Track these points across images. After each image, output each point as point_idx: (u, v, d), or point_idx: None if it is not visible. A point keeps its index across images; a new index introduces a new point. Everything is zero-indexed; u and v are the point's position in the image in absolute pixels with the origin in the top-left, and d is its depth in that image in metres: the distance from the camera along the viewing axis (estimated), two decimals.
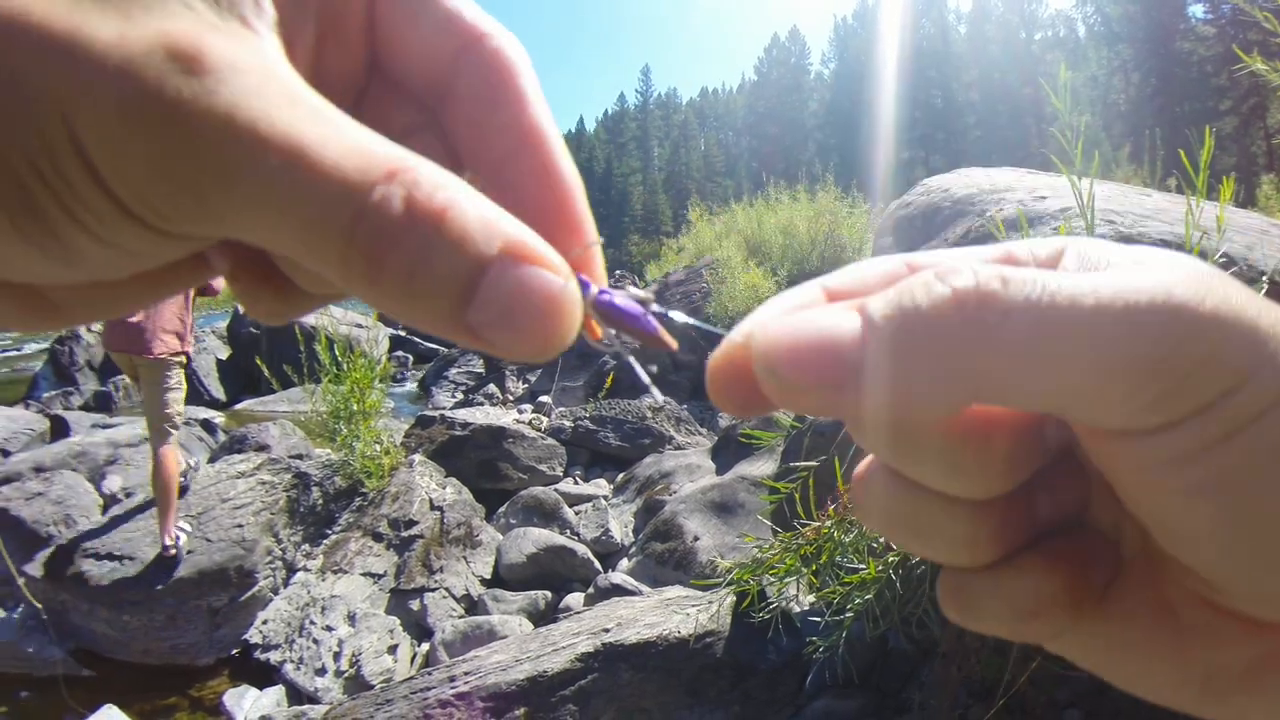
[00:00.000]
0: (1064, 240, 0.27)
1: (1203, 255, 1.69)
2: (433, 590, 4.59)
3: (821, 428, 2.73)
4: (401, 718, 2.94)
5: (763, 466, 4.84)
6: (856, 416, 0.24)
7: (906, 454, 0.26)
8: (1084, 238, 0.27)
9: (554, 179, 0.30)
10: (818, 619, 2.84)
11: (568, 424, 7.13)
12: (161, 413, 4.65)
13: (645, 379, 0.32)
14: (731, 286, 12.15)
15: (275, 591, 4.70)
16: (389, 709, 3.00)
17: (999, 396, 0.23)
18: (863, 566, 2.28)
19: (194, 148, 0.22)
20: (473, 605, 4.62)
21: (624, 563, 4.90)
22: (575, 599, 4.53)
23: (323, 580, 4.67)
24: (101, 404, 11.05)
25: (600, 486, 6.29)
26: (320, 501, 5.26)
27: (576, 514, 5.55)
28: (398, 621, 4.41)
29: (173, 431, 4.67)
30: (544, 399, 9.64)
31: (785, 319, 0.24)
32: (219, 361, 12.46)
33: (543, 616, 4.42)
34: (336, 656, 4.12)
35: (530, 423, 7.37)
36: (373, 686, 3.76)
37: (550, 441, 6.66)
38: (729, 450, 5.91)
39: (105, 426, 7.15)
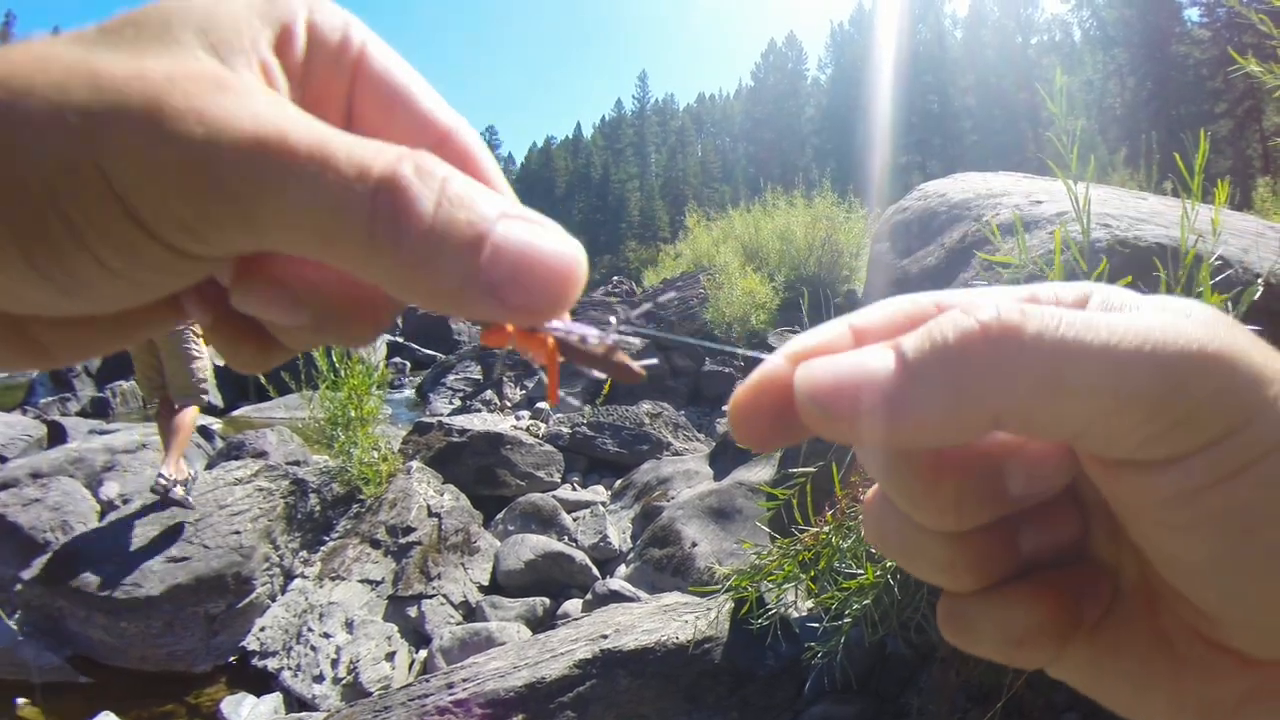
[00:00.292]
0: (1089, 286, 0.29)
1: (1199, 258, 1.69)
2: (430, 597, 4.58)
3: None
4: None
5: (761, 472, 4.84)
6: (888, 443, 0.26)
7: (887, 482, 0.29)
8: (1108, 286, 0.29)
9: None
10: (816, 625, 2.84)
11: (565, 430, 7.13)
12: (190, 383, 4.71)
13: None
14: (729, 292, 12.16)
15: (273, 598, 4.69)
16: (387, 716, 2.99)
17: (1018, 423, 0.25)
18: (861, 572, 2.27)
19: (230, 163, 0.23)
20: (471, 612, 4.61)
21: (622, 569, 4.89)
22: (573, 605, 4.52)
23: (320, 587, 4.66)
24: (99, 410, 11.05)
25: (598, 493, 6.28)
26: (318, 508, 5.25)
27: (574, 520, 5.55)
28: (395, 628, 4.40)
29: (203, 397, 4.75)
30: (542, 405, 9.64)
31: (827, 362, 0.27)
32: (216, 368, 12.42)
33: (541, 623, 4.41)
34: (334, 663, 4.11)
35: (528, 429, 7.37)
36: (371, 693, 3.75)
37: (548, 448, 6.65)
38: (727, 456, 5.90)
39: (102, 433, 7.12)
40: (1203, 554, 0.25)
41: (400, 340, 15.95)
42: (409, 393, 12.76)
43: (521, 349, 0.32)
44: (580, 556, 4.90)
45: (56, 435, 7.51)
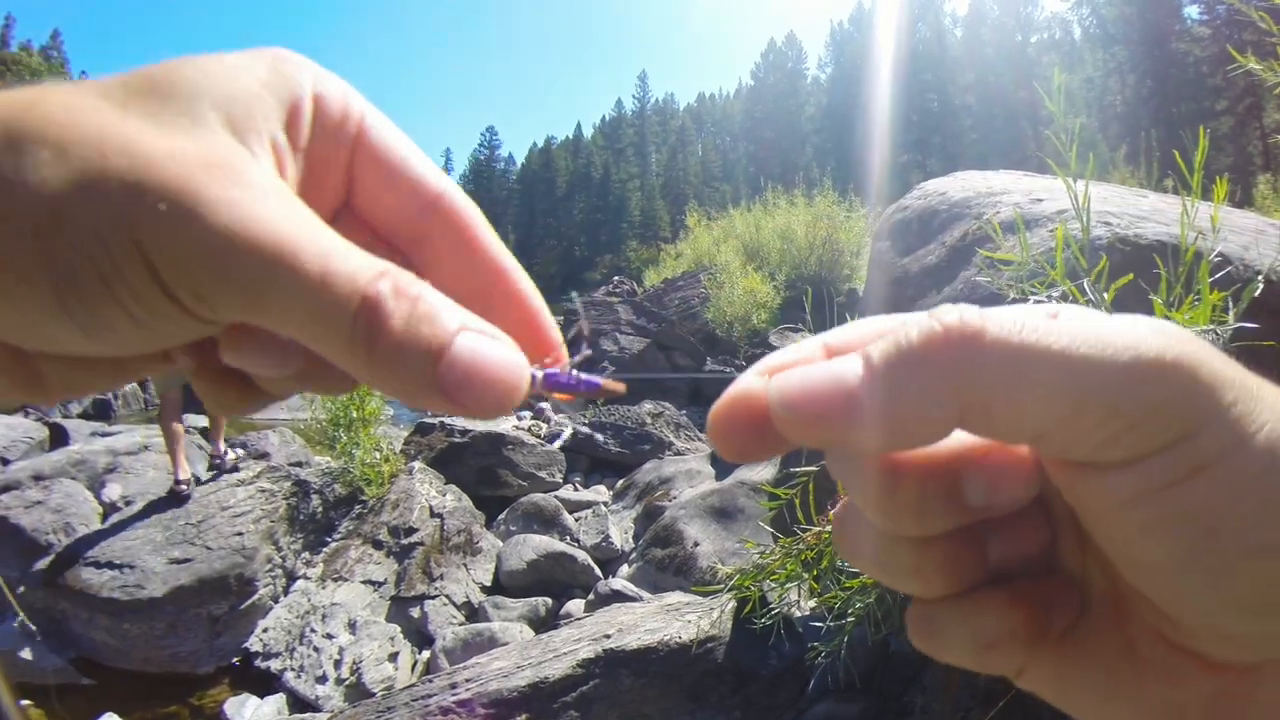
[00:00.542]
0: (1058, 306, 0.29)
1: (1199, 255, 1.69)
2: (433, 598, 4.59)
3: None
4: None
5: (762, 472, 4.84)
6: (856, 444, 0.27)
7: (851, 486, 0.30)
8: (1076, 306, 0.29)
9: (524, 302, 0.38)
10: (819, 624, 2.84)
11: (567, 430, 7.13)
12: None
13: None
14: (729, 291, 12.16)
15: (276, 599, 4.69)
16: (390, 716, 2.99)
17: (980, 424, 0.26)
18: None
19: (244, 261, 0.26)
20: (473, 612, 4.61)
21: (624, 569, 4.90)
22: (576, 605, 4.52)
23: (323, 588, 4.66)
24: (100, 412, 11.06)
25: (600, 493, 6.28)
26: (320, 509, 5.26)
27: (576, 520, 5.55)
28: (398, 629, 4.40)
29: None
30: (543, 406, 9.64)
31: (799, 372, 0.28)
32: None
33: (543, 623, 4.41)
34: (337, 664, 4.12)
35: (530, 429, 7.37)
36: (374, 694, 3.76)
37: (550, 448, 6.66)
38: None
39: (104, 435, 7.11)
40: (1164, 555, 0.26)
41: None
42: None
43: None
44: (582, 556, 4.90)
45: (58, 438, 7.50)
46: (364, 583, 4.69)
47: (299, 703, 4.01)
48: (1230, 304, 1.59)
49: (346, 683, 4.03)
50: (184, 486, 4.99)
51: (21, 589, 4.43)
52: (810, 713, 2.81)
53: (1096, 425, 0.25)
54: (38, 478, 5.22)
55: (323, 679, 4.06)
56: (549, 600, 4.61)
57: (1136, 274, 1.71)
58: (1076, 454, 0.26)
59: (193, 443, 7.20)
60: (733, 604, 2.97)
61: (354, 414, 5.51)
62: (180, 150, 0.27)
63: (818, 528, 2.39)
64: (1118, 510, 0.26)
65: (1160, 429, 0.25)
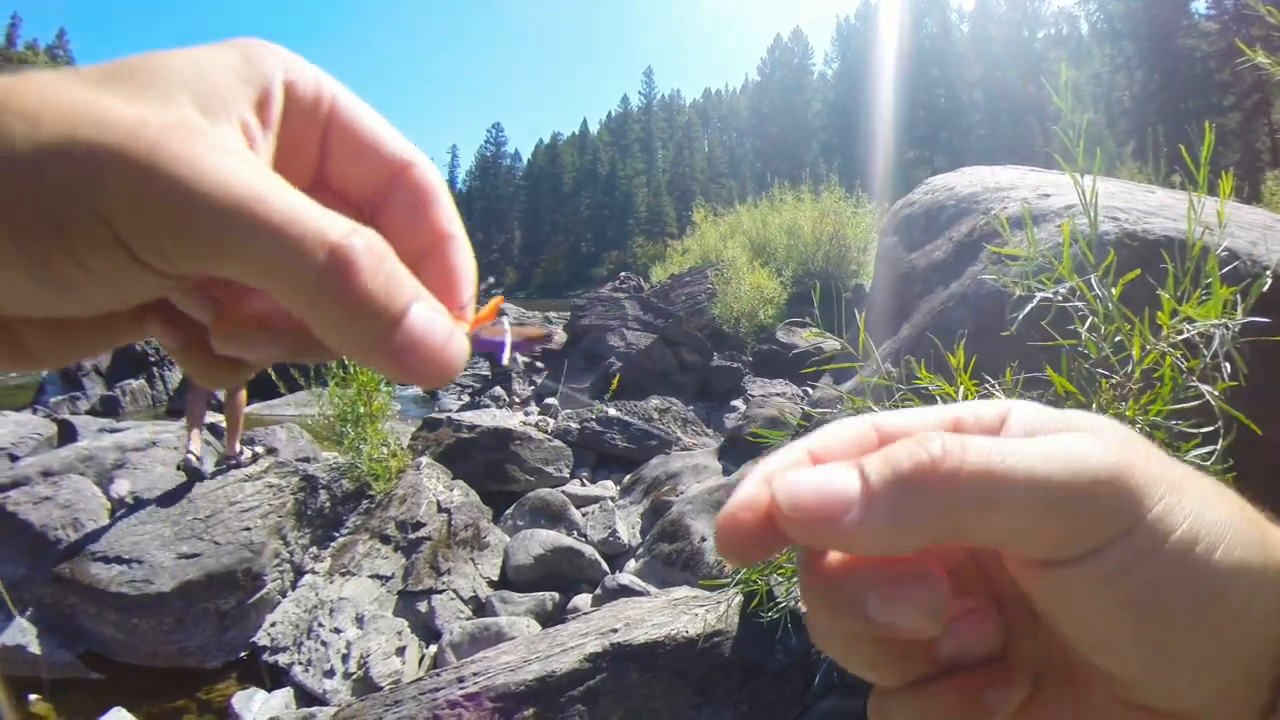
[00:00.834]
0: (1007, 404, 0.35)
1: (1205, 251, 1.69)
2: (440, 592, 4.60)
3: None
4: (410, 719, 2.95)
5: None
6: (848, 548, 0.32)
7: (804, 594, 0.35)
8: (1022, 403, 0.35)
9: (452, 267, 0.40)
10: None
11: (574, 425, 7.14)
12: None
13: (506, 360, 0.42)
14: (736, 287, 12.15)
15: (283, 594, 4.71)
16: (398, 710, 3.00)
17: (960, 535, 0.30)
18: None
19: (211, 215, 0.28)
20: (480, 607, 4.63)
21: (631, 563, 4.90)
22: (583, 600, 4.53)
23: (330, 582, 4.68)
24: (109, 408, 11.09)
25: (607, 488, 6.29)
26: (328, 504, 5.28)
27: (583, 515, 5.56)
28: (406, 623, 4.42)
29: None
30: (550, 401, 9.66)
31: (805, 477, 0.31)
32: None
33: (550, 617, 4.42)
34: (345, 658, 4.13)
35: (537, 425, 7.39)
36: (381, 688, 3.77)
37: (557, 443, 6.66)
38: (736, 451, 5.91)
39: (112, 431, 7.14)
40: (1120, 628, 0.30)
41: None
42: (418, 389, 12.78)
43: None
44: (589, 551, 4.91)
45: (67, 434, 7.53)
46: (371, 577, 4.70)
47: (306, 697, 4.02)
48: (1239, 299, 1.59)
49: (354, 677, 4.05)
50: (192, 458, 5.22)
51: (31, 584, 4.45)
52: (817, 708, 2.82)
53: (1056, 528, 0.29)
54: (46, 474, 5.25)
55: (330, 673, 4.08)
56: (556, 595, 4.62)
57: (1144, 269, 1.71)
58: (1039, 553, 0.30)
59: (202, 437, 7.24)
60: (739, 598, 2.98)
61: (361, 409, 5.53)
62: (146, 117, 0.29)
63: None
64: (1081, 597, 0.31)
65: (1107, 525, 0.30)
